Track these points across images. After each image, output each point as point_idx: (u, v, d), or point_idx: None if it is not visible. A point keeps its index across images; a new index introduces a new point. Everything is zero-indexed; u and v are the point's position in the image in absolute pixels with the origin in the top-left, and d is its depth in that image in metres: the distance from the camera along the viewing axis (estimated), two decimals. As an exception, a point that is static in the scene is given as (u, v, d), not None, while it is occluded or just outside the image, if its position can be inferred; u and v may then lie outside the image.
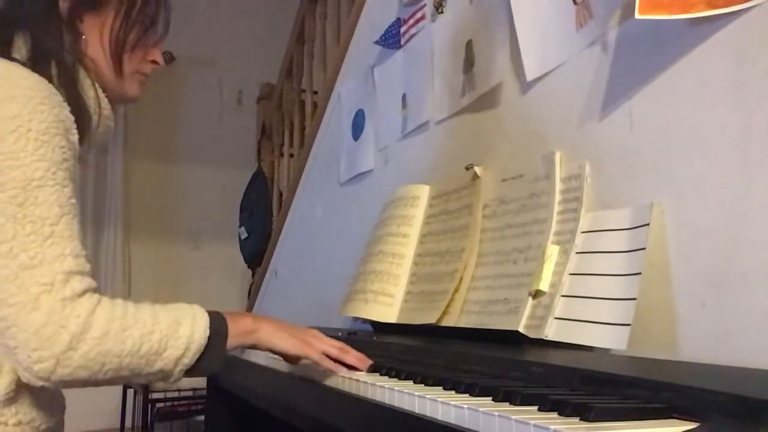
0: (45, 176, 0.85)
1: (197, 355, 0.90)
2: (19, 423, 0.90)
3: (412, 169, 1.80)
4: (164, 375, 0.90)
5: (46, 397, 0.95)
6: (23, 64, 0.93)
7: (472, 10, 1.59)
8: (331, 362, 1.03)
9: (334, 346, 1.05)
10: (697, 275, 0.96)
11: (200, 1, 4.38)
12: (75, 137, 0.93)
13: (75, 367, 0.82)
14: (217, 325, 0.93)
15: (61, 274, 0.83)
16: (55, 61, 0.96)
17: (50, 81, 0.93)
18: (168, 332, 0.88)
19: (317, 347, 1.03)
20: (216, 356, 0.92)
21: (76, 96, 0.96)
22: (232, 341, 0.95)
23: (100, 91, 1.02)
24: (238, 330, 0.96)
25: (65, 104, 0.92)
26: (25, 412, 0.90)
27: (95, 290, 0.87)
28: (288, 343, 1.01)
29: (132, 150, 4.23)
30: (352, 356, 1.05)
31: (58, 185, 0.87)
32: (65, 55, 0.98)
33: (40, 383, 0.84)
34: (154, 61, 1.10)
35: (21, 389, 0.90)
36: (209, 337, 0.91)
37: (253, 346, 1.00)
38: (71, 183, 0.90)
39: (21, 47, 0.97)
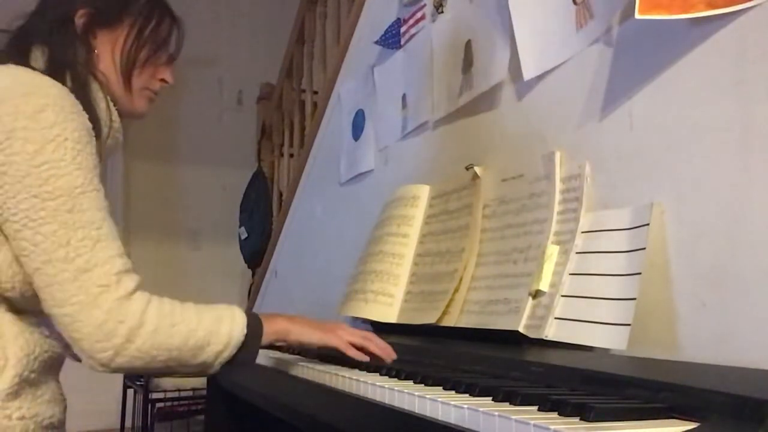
0: (84, 183, 0.92)
1: (235, 350, 0.99)
2: (23, 417, 0.92)
3: (412, 169, 1.80)
4: (205, 367, 0.99)
5: (48, 394, 0.98)
6: (42, 73, 0.97)
7: (472, 10, 1.59)
8: (355, 350, 1.10)
9: (358, 336, 1.13)
10: (697, 275, 0.96)
11: (200, 1, 4.37)
12: (95, 143, 0.98)
13: (131, 357, 0.91)
14: (254, 324, 1.02)
15: (114, 275, 0.91)
16: (69, 73, 1.01)
17: None
18: (211, 329, 0.97)
19: (342, 337, 1.11)
20: (251, 351, 1.02)
21: (88, 107, 1.00)
22: (266, 338, 1.04)
23: (111, 103, 1.07)
24: (272, 329, 1.05)
25: (85, 113, 0.97)
26: (28, 406, 0.93)
27: (142, 285, 0.95)
28: (314, 336, 1.09)
29: (132, 150, 4.23)
30: (375, 345, 1.12)
31: (95, 190, 0.94)
32: (79, 68, 1.03)
33: (101, 369, 0.93)
34: (163, 80, 1.14)
35: (24, 384, 0.93)
36: (246, 335, 1.00)
37: (284, 340, 1.09)
38: (102, 186, 0.96)
39: (38, 58, 1.02)
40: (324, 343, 1.10)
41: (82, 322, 0.89)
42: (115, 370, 0.93)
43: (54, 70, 1.00)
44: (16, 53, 1.02)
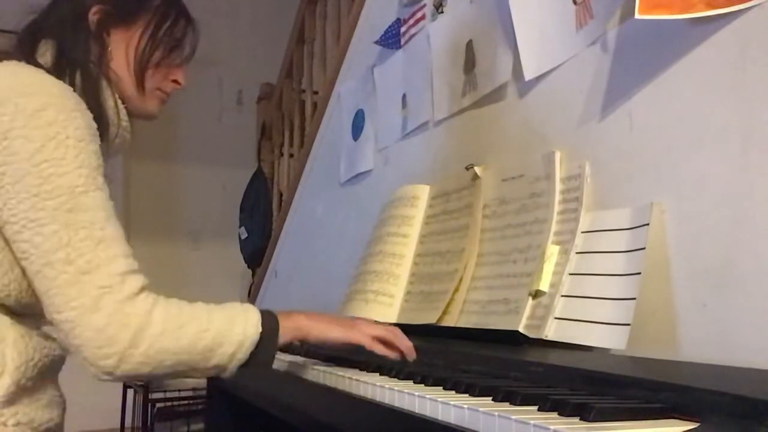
0: (87, 182, 0.89)
1: (250, 350, 0.94)
2: (18, 423, 0.90)
3: (412, 169, 1.80)
4: (219, 369, 0.94)
5: (45, 398, 0.95)
6: (47, 70, 0.95)
7: (473, 10, 1.59)
8: (381, 346, 1.04)
9: (382, 329, 1.06)
10: (697, 275, 0.96)
11: (200, 1, 4.37)
12: (99, 142, 0.96)
13: (136, 363, 0.87)
14: (269, 322, 0.97)
15: (117, 276, 0.87)
16: (80, 71, 1.00)
17: (73, 89, 0.96)
18: (222, 329, 0.92)
19: (366, 332, 1.04)
20: (268, 351, 0.97)
21: (97, 105, 0.99)
22: (284, 337, 0.98)
23: (120, 103, 1.05)
24: (290, 326, 1.00)
25: (89, 111, 0.95)
26: (24, 412, 0.91)
27: (149, 287, 0.91)
28: (336, 333, 1.03)
29: (132, 150, 4.18)
30: (400, 341, 1.05)
31: (98, 189, 0.90)
32: (90, 66, 1.01)
33: (105, 378, 0.88)
34: (175, 81, 1.12)
35: (20, 390, 0.91)
36: (261, 334, 0.95)
37: (304, 339, 1.03)
38: (106, 186, 0.93)
39: (45, 53, 1.00)
40: (347, 340, 1.03)
41: (83, 327, 0.85)
42: (120, 379, 0.89)
43: (62, 67, 0.98)
44: (23, 48, 0.99)
